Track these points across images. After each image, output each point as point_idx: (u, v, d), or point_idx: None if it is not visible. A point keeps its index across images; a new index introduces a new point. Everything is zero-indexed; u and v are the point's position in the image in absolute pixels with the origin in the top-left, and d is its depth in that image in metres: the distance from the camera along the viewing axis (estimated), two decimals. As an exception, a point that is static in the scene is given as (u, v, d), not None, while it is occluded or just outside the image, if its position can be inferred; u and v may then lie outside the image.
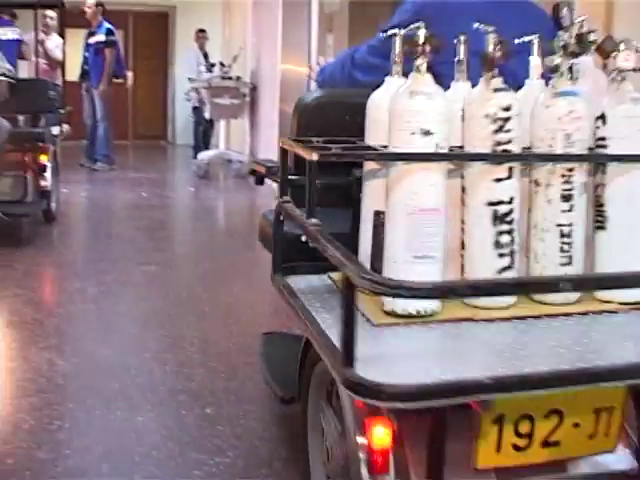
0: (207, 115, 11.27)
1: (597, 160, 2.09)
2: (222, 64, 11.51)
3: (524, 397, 1.80)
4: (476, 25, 2.01)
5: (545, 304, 2.02)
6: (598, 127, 2.07)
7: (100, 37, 11.12)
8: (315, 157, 1.92)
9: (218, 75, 11.14)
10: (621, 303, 2.04)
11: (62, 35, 8.45)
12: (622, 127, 2.05)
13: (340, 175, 2.26)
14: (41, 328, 4.52)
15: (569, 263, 2.04)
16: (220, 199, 10.15)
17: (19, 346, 4.26)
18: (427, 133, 1.89)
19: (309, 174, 1.94)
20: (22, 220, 7.13)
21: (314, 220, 1.90)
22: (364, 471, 1.96)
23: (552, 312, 2.00)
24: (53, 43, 10.41)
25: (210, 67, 11.40)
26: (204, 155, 11.08)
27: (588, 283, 1.91)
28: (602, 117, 2.07)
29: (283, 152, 2.23)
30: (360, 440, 1.97)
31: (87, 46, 11.29)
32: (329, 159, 1.95)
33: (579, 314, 2.01)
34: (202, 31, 13.09)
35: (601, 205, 2.09)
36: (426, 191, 1.91)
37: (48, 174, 7.21)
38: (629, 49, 2.03)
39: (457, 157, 2.02)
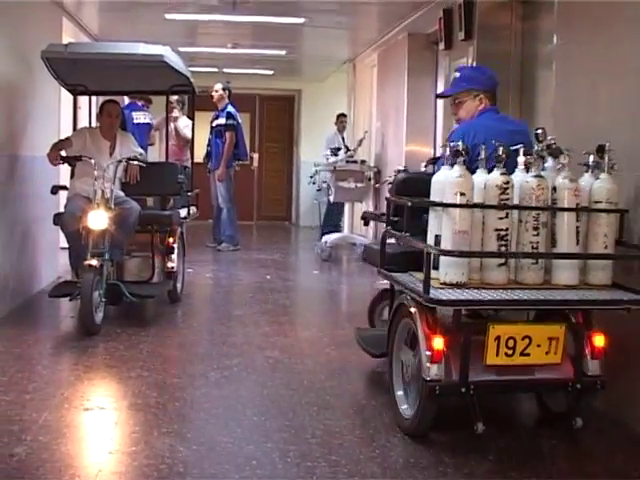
0: (331, 198, 11.31)
1: (551, 209, 4.15)
2: (347, 148, 11.59)
3: (510, 327, 3.97)
4: (493, 141, 4.21)
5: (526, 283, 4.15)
6: (553, 193, 4.17)
7: (221, 120, 11.38)
8: (409, 203, 4.25)
9: (343, 158, 11.20)
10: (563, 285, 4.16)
11: (192, 118, 8.65)
12: (564, 193, 4.15)
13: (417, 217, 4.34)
14: (164, 412, 4.52)
15: (536, 262, 4.16)
16: (344, 283, 10.13)
17: (142, 430, 4.24)
18: (462, 194, 3.98)
19: (405, 213, 4.25)
20: (147, 300, 7.22)
21: (407, 234, 4.25)
22: (428, 363, 3.94)
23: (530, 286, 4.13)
24: (182, 123, 10.73)
25: (335, 151, 11.47)
26: (328, 238, 11.08)
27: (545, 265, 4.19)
28: (554, 188, 4.17)
29: (388, 203, 4.66)
30: (426, 346, 3.95)
31: (211, 129, 11.57)
32: (418, 205, 4.26)
33: (544, 288, 4.12)
34: (343, 115, 13.30)
35: (554, 234, 4.17)
36: (462, 222, 3.99)
37: (175, 256, 7.32)
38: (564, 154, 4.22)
39: (478, 206, 4.05)
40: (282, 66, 14.33)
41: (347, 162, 11.13)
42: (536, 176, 4.08)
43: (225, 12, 9.04)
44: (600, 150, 4.22)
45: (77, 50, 7.04)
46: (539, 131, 4.36)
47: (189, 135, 9.17)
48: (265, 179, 16.82)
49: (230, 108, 11.44)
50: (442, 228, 4.02)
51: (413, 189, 4.47)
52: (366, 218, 5.15)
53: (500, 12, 7.06)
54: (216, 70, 14.19)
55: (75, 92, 7.88)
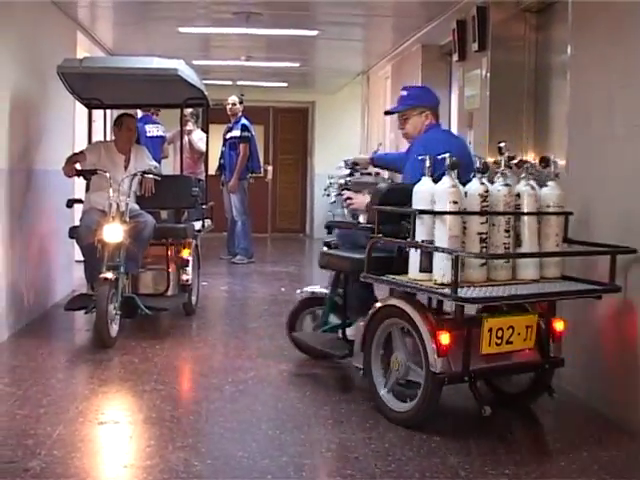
0: (345, 211, 11.28)
1: (517, 214, 4.65)
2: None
3: (500, 319, 4.41)
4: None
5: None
6: (517, 199, 4.69)
7: (236, 132, 11.40)
8: (417, 212, 4.48)
9: (357, 171, 11.15)
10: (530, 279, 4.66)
11: (206, 131, 8.68)
12: (526, 199, 4.68)
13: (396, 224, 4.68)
14: (178, 426, 4.51)
15: (508, 261, 4.63)
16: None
17: (157, 444, 4.24)
18: (455, 202, 4.40)
19: (412, 220, 4.49)
20: (162, 313, 7.21)
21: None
22: (435, 355, 4.31)
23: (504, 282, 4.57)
24: (197, 136, 10.75)
25: (352, 165, 11.43)
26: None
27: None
28: (518, 194, 4.69)
29: (379, 212, 4.69)
30: (432, 341, 4.32)
31: (224, 141, 11.59)
32: (405, 213, 4.59)
33: (513, 283, 4.59)
34: None
35: (519, 235, 4.67)
36: (455, 228, 4.40)
37: (189, 268, 7.32)
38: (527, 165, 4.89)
39: (462, 213, 4.45)
40: (296, 78, 14.35)
41: (361, 174, 11.10)
42: (506, 185, 4.62)
43: (238, 25, 9.05)
44: (543, 161, 4.93)
45: (92, 65, 7.06)
46: (502, 144, 4.89)
47: (203, 148, 9.20)
48: (279, 191, 16.82)
49: (244, 120, 11.46)
50: (436, 233, 4.41)
51: (395, 198, 4.75)
52: (330, 227, 5.27)
53: (514, 23, 7.03)
54: (230, 83, 14.23)
55: (90, 106, 7.93)
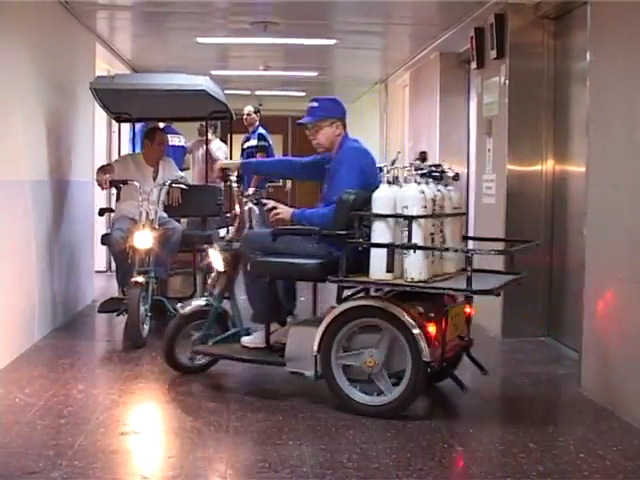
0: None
1: (454, 215, 5.30)
2: (380, 168, 11.52)
3: (457, 308, 5.02)
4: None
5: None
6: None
7: (253, 142, 11.40)
8: (413, 216, 4.75)
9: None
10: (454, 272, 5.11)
11: (228, 142, 8.87)
12: (448, 202, 5.21)
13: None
14: (199, 436, 4.51)
15: (442, 258, 5.05)
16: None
17: (178, 454, 4.25)
18: (425, 207, 4.87)
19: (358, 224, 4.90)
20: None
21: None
22: (425, 344, 4.67)
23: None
24: (215, 146, 10.78)
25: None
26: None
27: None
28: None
29: (359, 218, 4.93)
30: (421, 333, 4.69)
31: (242, 151, 11.60)
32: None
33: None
34: None
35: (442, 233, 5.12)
36: (425, 229, 4.84)
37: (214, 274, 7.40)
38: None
39: (396, 216, 4.85)
40: (314, 87, 14.36)
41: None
42: (439, 190, 5.13)
43: (256, 35, 9.07)
44: (422, 156, 5.94)
45: (122, 81, 7.59)
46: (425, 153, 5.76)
47: (222, 157, 9.29)
48: (299, 200, 16.81)
49: (261, 130, 11.47)
50: (414, 235, 4.72)
51: (359, 205, 5.01)
52: (276, 234, 5.23)
53: (532, 30, 7.03)
54: (248, 93, 14.27)
55: (119, 119, 8.31)
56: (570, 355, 6.30)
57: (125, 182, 7.10)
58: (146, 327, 6.65)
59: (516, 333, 7.01)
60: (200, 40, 9.56)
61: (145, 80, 7.92)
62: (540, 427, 4.78)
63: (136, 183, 6.91)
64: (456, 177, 5.38)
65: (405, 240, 4.73)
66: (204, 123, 9.07)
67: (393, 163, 11.31)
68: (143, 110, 8.19)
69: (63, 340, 6.82)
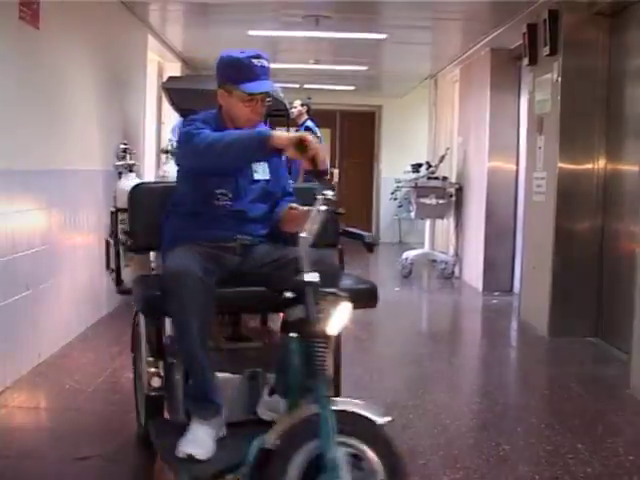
0: (412, 215, 11.28)
1: None
2: (429, 164, 11.52)
3: None
4: None
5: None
6: None
7: (301, 134, 11.39)
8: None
9: (424, 175, 11.14)
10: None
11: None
12: None
13: None
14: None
15: None
16: (425, 300, 10.04)
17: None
18: None
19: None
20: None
21: None
22: None
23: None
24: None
25: (417, 167, 11.41)
26: (409, 254, 11.04)
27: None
28: None
29: None
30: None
31: (291, 145, 11.60)
32: None
33: None
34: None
35: None
36: None
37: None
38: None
39: None
40: (363, 82, 14.33)
41: (428, 179, 11.08)
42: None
43: (308, 28, 9.07)
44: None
45: (192, 82, 7.71)
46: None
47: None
48: (346, 194, 16.80)
49: (309, 123, 11.47)
50: None
51: None
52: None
53: (586, 26, 6.94)
54: (297, 86, 14.27)
55: (184, 115, 8.33)
56: (619, 357, 6.22)
57: None
58: None
59: (564, 333, 6.94)
60: (251, 33, 9.57)
61: (211, 81, 8.03)
62: (589, 428, 4.72)
63: None
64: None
65: None
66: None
67: (442, 159, 11.38)
68: (207, 107, 8.25)
69: (111, 328, 6.89)
